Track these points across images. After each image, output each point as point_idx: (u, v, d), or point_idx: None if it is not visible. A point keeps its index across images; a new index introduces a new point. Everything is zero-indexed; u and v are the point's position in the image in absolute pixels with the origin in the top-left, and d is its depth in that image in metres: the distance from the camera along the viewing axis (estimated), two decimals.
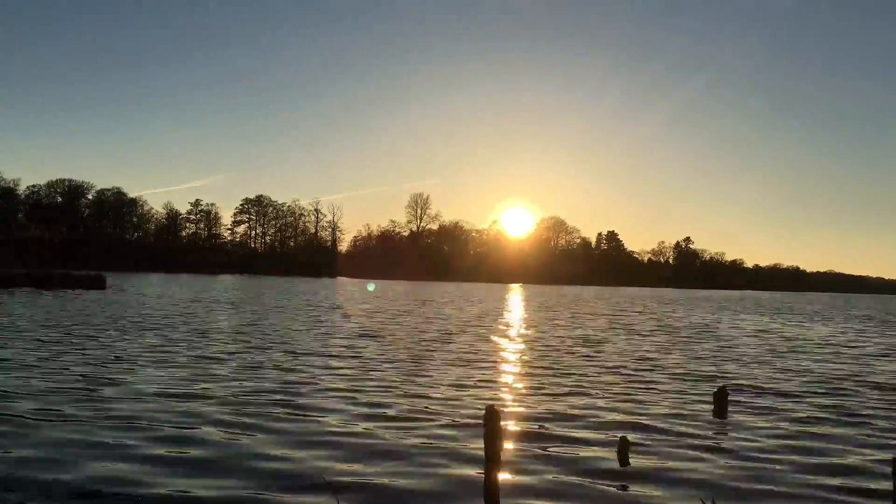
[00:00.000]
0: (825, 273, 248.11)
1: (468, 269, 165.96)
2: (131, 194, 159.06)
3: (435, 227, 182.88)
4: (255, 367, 15.07)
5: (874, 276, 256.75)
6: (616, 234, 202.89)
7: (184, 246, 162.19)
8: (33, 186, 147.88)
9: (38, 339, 18.62)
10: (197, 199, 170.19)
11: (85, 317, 26.62)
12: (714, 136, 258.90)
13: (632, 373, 16.14)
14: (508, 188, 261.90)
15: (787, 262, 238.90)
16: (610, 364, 17.62)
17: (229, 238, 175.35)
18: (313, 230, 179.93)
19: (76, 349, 16.91)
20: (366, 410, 10.80)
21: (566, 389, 13.38)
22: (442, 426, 9.87)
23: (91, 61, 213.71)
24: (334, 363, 16.10)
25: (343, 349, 19.10)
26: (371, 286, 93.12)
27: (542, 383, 14.15)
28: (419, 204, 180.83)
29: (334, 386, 12.94)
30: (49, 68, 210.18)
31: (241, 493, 6.81)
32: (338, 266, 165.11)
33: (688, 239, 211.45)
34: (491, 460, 7.00)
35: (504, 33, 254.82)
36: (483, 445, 7.14)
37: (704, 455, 8.74)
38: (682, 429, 10.17)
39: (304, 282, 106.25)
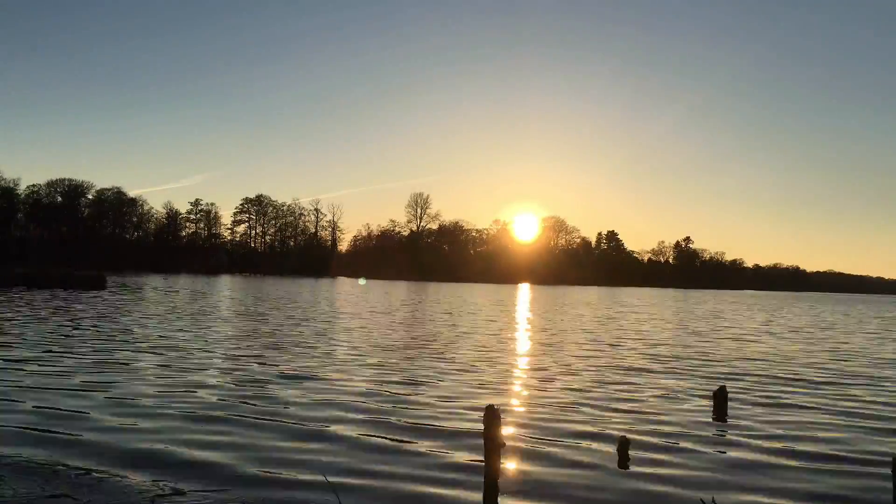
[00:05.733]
0: (825, 273, 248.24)
1: (468, 269, 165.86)
2: (130, 192, 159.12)
3: (435, 226, 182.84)
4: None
5: (874, 276, 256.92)
6: (616, 234, 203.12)
7: (184, 246, 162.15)
8: (33, 186, 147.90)
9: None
10: (197, 199, 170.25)
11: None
12: (714, 137, 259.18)
13: (632, 372, 16.14)
14: (509, 188, 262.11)
15: (787, 262, 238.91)
16: (618, 364, 17.63)
17: (229, 238, 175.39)
18: (313, 230, 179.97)
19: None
20: (366, 409, 10.81)
21: (566, 388, 13.39)
22: (443, 425, 9.87)
23: (91, 61, 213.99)
24: (335, 364, 16.12)
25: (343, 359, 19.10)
26: (362, 281, 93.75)
27: (542, 383, 14.16)
28: (419, 203, 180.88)
29: (336, 385, 12.94)
30: (49, 68, 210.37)
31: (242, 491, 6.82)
32: (338, 266, 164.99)
33: (688, 239, 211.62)
34: (490, 459, 7.00)
35: (508, 35, 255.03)
36: (483, 444, 7.14)
37: (704, 455, 8.73)
38: (682, 429, 10.17)
39: (304, 283, 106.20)
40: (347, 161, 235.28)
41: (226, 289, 64.66)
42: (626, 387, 13.96)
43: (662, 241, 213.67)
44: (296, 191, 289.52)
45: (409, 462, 8.01)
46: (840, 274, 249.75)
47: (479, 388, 13.32)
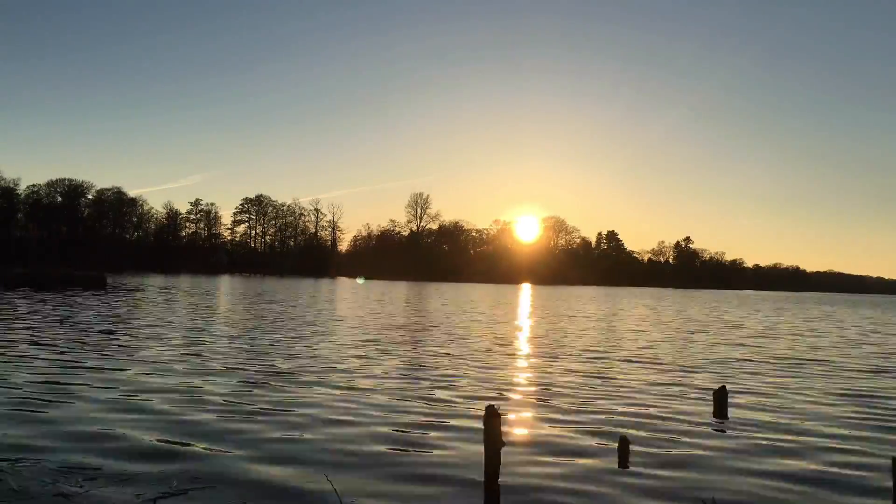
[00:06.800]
0: (825, 273, 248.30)
1: (468, 269, 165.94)
2: (130, 192, 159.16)
3: (435, 226, 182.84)
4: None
5: (874, 276, 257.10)
6: (616, 234, 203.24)
7: (184, 246, 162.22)
8: (33, 186, 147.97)
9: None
10: (197, 199, 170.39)
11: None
12: (714, 137, 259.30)
13: (632, 372, 16.14)
14: (509, 188, 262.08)
15: (787, 262, 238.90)
16: (613, 363, 17.63)
17: (229, 238, 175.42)
18: (313, 230, 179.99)
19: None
20: (366, 408, 10.81)
21: (566, 387, 13.39)
22: (443, 425, 9.87)
23: (90, 60, 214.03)
24: (337, 365, 16.11)
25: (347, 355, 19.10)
26: (361, 280, 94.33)
27: (541, 382, 14.16)
28: (419, 203, 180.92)
29: (335, 385, 12.94)
30: (49, 68, 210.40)
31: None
32: (338, 266, 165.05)
33: (688, 239, 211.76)
34: (490, 460, 7.00)
35: (509, 35, 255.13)
36: (483, 445, 7.14)
37: (704, 455, 8.73)
38: (683, 428, 10.17)
39: (303, 283, 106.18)
40: (347, 161, 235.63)
41: (224, 290, 64.60)
42: (626, 386, 13.94)
43: (662, 241, 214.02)
44: (296, 191, 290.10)
45: (409, 461, 8.01)
46: (840, 274, 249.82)
47: (479, 387, 13.32)
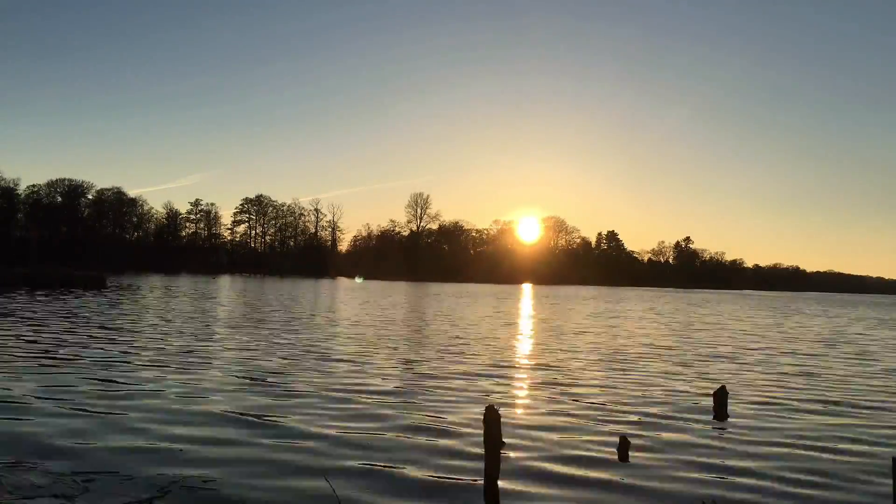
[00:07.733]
0: (825, 273, 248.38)
1: (468, 269, 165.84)
2: (130, 192, 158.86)
3: (435, 226, 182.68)
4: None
5: (874, 276, 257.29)
6: (616, 234, 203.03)
7: (184, 246, 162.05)
8: (33, 186, 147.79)
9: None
10: (197, 199, 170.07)
11: None
12: (714, 138, 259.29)
13: (632, 372, 16.14)
14: (509, 188, 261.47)
15: (787, 262, 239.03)
16: (612, 364, 17.63)
17: (229, 238, 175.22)
18: (313, 230, 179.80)
19: None
20: (366, 408, 10.81)
21: (566, 388, 13.39)
22: (442, 424, 9.87)
23: (91, 60, 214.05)
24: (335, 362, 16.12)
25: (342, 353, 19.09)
26: (359, 280, 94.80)
27: (541, 383, 14.16)
28: (419, 203, 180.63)
29: (336, 385, 12.94)
30: (49, 68, 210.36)
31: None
32: (337, 266, 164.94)
33: (688, 239, 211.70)
34: (491, 459, 7.01)
35: (509, 35, 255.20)
36: (483, 444, 7.15)
37: (704, 455, 8.73)
38: (683, 428, 10.17)
39: (302, 284, 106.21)
40: (347, 161, 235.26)
41: (224, 291, 64.60)
42: (626, 386, 13.95)
43: (662, 241, 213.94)
44: (296, 191, 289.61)
45: (409, 461, 8.01)
46: (840, 274, 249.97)
47: (479, 387, 13.32)
